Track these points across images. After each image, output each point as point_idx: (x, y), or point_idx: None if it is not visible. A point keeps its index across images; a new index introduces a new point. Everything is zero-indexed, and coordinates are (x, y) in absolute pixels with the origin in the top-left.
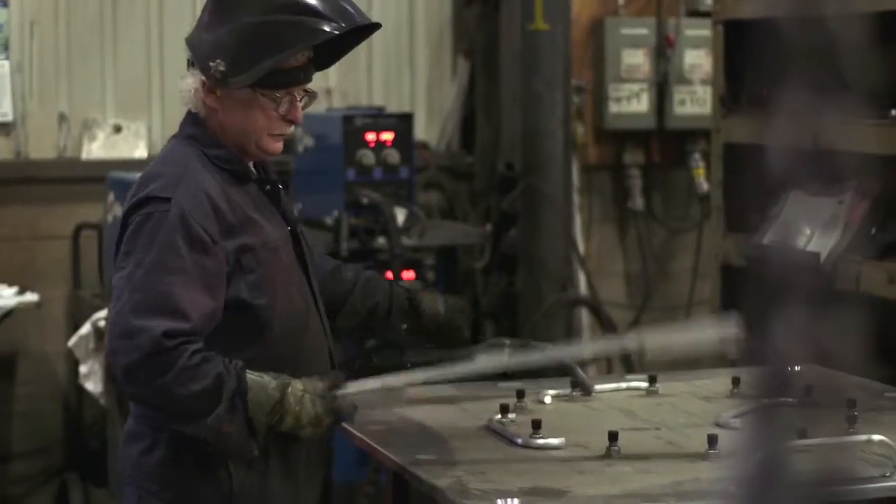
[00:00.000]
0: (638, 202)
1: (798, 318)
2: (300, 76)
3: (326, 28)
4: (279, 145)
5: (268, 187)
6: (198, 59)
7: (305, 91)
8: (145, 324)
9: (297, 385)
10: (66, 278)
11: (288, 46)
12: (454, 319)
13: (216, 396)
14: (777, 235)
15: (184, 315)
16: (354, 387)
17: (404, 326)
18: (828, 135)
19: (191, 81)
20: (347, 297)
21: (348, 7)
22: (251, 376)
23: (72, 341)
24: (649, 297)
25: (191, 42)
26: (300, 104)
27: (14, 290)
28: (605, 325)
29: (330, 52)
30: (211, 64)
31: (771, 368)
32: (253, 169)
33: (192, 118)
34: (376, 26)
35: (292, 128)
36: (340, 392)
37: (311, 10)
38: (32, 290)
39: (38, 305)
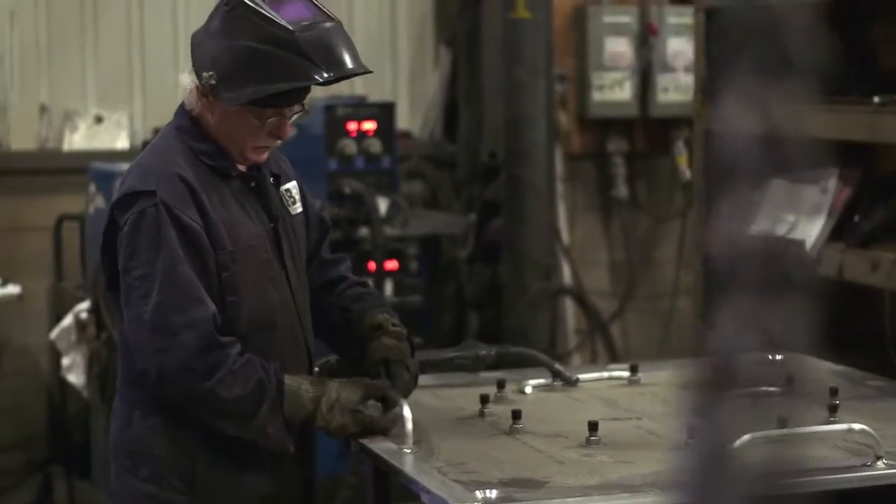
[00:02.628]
0: (622, 190)
1: (745, 306)
2: (291, 98)
3: (315, 75)
4: (263, 156)
5: (252, 184)
6: (194, 64)
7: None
8: (186, 318)
9: (331, 394)
10: (48, 270)
11: (273, 81)
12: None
13: (259, 400)
14: (760, 223)
15: (206, 301)
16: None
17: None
18: (778, 120)
19: (188, 80)
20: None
21: (345, 53)
22: (289, 385)
23: (54, 333)
24: (633, 286)
25: (194, 42)
26: (291, 119)
27: None
28: (590, 314)
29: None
30: (204, 74)
31: (717, 358)
32: (239, 165)
33: (184, 110)
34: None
35: (278, 142)
36: (373, 404)
37: (304, 53)
38: (14, 282)
39: (19, 298)
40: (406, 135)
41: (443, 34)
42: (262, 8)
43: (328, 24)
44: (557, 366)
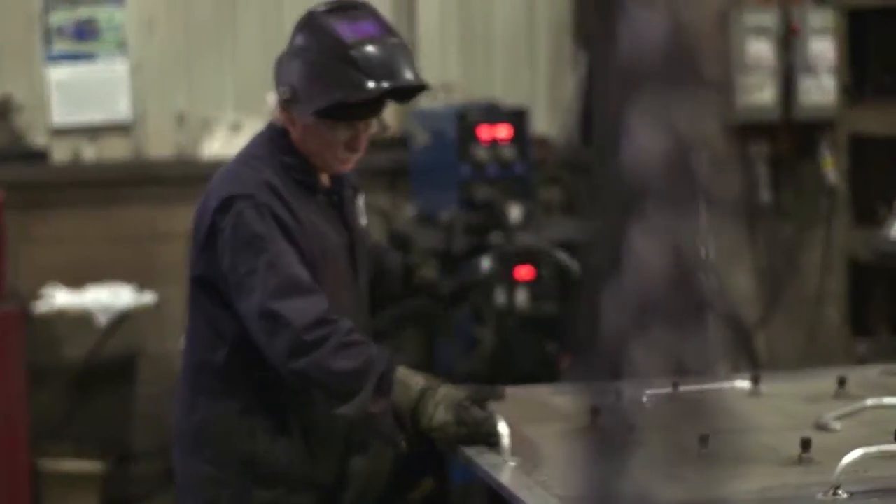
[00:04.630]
0: (765, 195)
1: (658, 336)
2: (363, 111)
3: (370, 85)
4: (348, 165)
5: (334, 197)
6: (276, 81)
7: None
8: (292, 303)
9: (440, 391)
10: (185, 278)
11: (332, 92)
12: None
13: (364, 376)
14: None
15: (312, 288)
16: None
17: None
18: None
19: (273, 98)
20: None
21: (399, 66)
22: (400, 373)
23: None
24: (777, 293)
25: (278, 61)
26: (367, 133)
27: (132, 290)
28: (732, 322)
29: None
30: (281, 88)
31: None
32: (324, 179)
33: (273, 124)
34: (425, 87)
35: (357, 155)
36: (477, 404)
37: (357, 66)
38: (151, 289)
39: (156, 306)
40: (543, 140)
41: (581, 37)
42: (326, 24)
43: (390, 40)
44: None
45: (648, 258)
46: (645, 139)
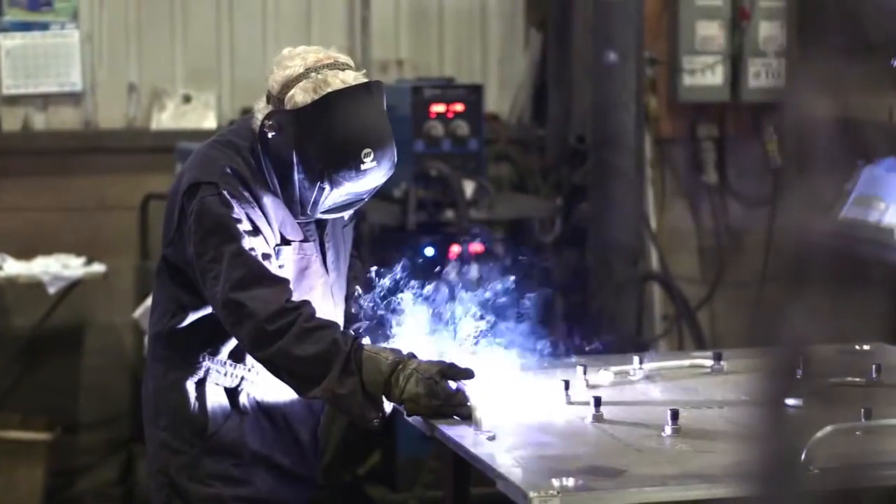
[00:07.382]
0: (712, 175)
1: (817, 300)
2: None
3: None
4: None
5: None
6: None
7: None
8: (253, 292)
9: (410, 364)
10: (134, 249)
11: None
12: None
13: (330, 360)
14: (853, 210)
15: (273, 276)
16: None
17: None
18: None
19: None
20: None
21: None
22: (368, 351)
23: (137, 312)
24: (723, 273)
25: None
26: None
27: (81, 260)
28: (677, 300)
29: None
30: (269, 123)
31: (785, 353)
32: None
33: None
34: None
35: None
36: (449, 379)
37: (355, 179)
38: (100, 260)
39: (105, 276)
40: (494, 117)
41: (533, 17)
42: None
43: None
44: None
45: (805, 218)
46: (810, 105)
